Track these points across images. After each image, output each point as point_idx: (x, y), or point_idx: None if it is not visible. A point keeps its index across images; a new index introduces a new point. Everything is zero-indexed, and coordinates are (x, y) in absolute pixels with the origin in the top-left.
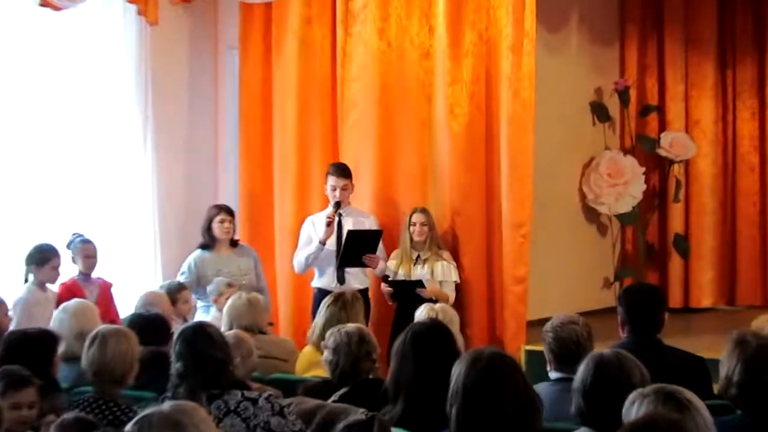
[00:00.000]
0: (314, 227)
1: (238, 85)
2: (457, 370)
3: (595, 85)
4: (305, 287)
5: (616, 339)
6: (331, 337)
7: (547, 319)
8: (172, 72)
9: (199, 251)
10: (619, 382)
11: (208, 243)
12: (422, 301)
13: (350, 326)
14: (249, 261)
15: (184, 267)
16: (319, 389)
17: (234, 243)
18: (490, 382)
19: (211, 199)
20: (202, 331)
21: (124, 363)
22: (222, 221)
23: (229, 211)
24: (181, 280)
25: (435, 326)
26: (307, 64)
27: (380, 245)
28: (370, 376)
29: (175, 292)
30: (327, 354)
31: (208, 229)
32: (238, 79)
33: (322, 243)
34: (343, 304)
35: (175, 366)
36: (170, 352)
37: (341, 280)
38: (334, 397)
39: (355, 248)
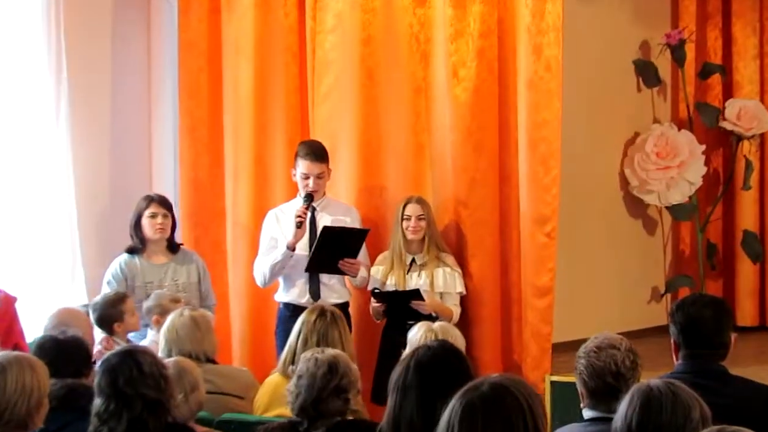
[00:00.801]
0: (279, 224)
1: (177, 43)
2: (451, 403)
3: (641, 39)
4: (267, 301)
5: (668, 366)
6: (301, 363)
7: (579, 342)
8: (91, 27)
9: (126, 256)
10: (674, 423)
11: (137, 246)
12: (417, 317)
13: (327, 352)
14: (191, 272)
15: (109, 275)
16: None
17: (173, 247)
18: (484, 423)
19: (144, 188)
20: (131, 359)
21: (29, 401)
22: (153, 215)
23: (164, 203)
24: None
25: (446, 351)
26: (266, 14)
27: (363, 248)
28: (349, 417)
29: (116, 304)
30: (291, 382)
31: (136, 226)
32: (176, 35)
33: (291, 248)
34: (334, 321)
35: (95, 404)
36: (90, 385)
37: (315, 294)
38: None
39: (331, 249)
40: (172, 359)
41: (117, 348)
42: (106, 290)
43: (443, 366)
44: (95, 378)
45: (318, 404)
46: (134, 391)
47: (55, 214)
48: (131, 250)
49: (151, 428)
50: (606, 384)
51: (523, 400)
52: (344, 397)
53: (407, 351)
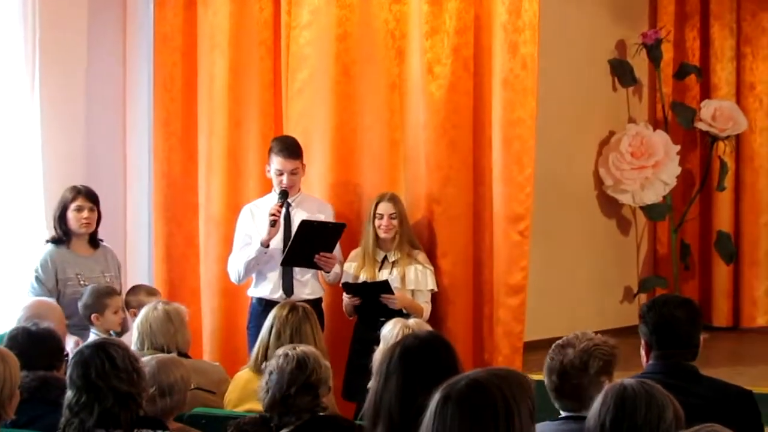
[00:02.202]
0: (254, 220)
1: (152, 35)
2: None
3: (617, 38)
4: (239, 296)
5: (641, 366)
6: (274, 358)
7: (552, 341)
8: (67, 20)
9: (51, 246)
10: (648, 423)
11: (61, 237)
12: (389, 314)
13: (299, 348)
14: (114, 267)
15: (37, 266)
16: (255, 427)
17: (95, 241)
18: (453, 417)
19: (119, 182)
20: (103, 352)
21: (1, 392)
22: (79, 209)
23: (92, 197)
24: (34, 285)
25: (435, 341)
26: (242, 8)
27: (337, 244)
28: (320, 413)
29: (103, 297)
30: (264, 378)
31: (61, 218)
32: (152, 28)
33: (265, 245)
34: (306, 317)
35: (67, 396)
36: (62, 378)
37: (288, 289)
38: None
39: (308, 243)
40: (161, 356)
41: (90, 340)
42: (34, 282)
43: (429, 356)
44: (68, 370)
45: (286, 400)
46: (105, 384)
47: (26, 206)
48: (56, 241)
49: (122, 421)
50: (551, 382)
51: (501, 399)
52: (313, 393)
53: (380, 347)
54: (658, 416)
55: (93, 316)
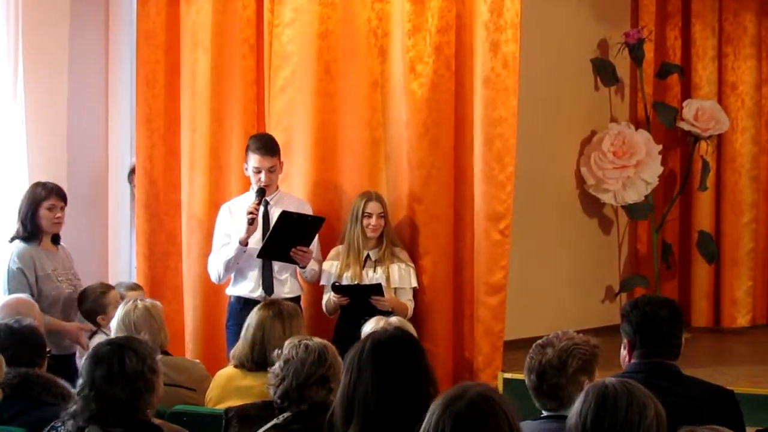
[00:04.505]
0: (232, 218)
1: (135, 32)
2: (429, 412)
3: (599, 37)
4: (221, 294)
5: (620, 366)
6: (287, 347)
7: (532, 340)
8: (49, 17)
9: (22, 244)
10: (629, 421)
11: (31, 234)
12: (373, 313)
13: (316, 340)
14: (73, 266)
15: (18, 263)
16: (258, 411)
17: (56, 239)
18: None
19: (101, 179)
20: (116, 356)
21: None
22: (52, 208)
23: (63, 196)
24: (16, 276)
25: (401, 335)
26: (224, 6)
27: (316, 241)
28: None
29: (100, 297)
30: (276, 366)
31: (33, 215)
32: (134, 24)
33: (243, 244)
34: (289, 317)
35: (78, 382)
36: (44, 375)
37: (269, 287)
38: (273, 422)
39: (286, 236)
40: None
41: (111, 336)
42: (20, 278)
43: (399, 348)
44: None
45: (302, 390)
46: (108, 388)
47: (9, 202)
48: (26, 238)
49: (111, 423)
50: (530, 381)
51: (508, 411)
52: (328, 386)
53: None
54: (639, 415)
55: (98, 318)
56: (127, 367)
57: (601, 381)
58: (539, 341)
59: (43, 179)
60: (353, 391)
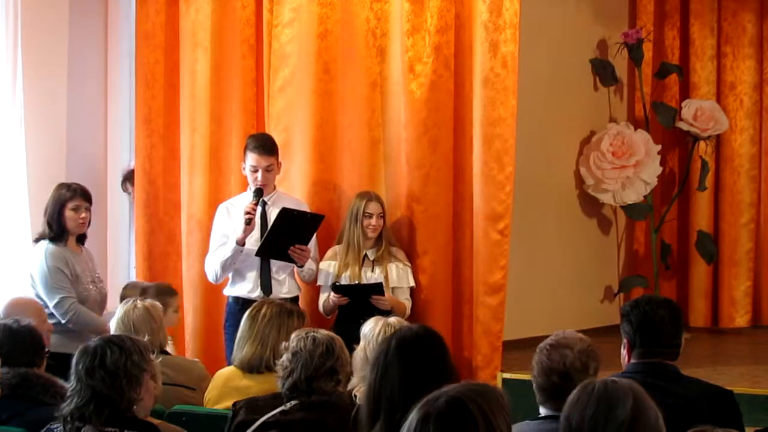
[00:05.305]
0: (230, 218)
1: (134, 32)
2: (412, 413)
3: (599, 38)
4: (221, 295)
5: (617, 366)
6: (295, 340)
7: (531, 340)
8: (48, 17)
9: (51, 245)
10: (628, 423)
11: (57, 234)
12: (372, 313)
13: (323, 332)
14: (96, 267)
15: (57, 263)
16: (266, 401)
17: (82, 239)
18: None
19: (100, 179)
20: (100, 350)
21: None
22: (77, 209)
23: (87, 196)
24: (56, 276)
25: (426, 333)
26: (224, 6)
27: (314, 241)
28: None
29: (165, 296)
30: (284, 358)
31: (58, 216)
32: (133, 25)
33: (240, 244)
34: (289, 316)
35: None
36: (43, 375)
37: (267, 288)
38: (281, 408)
39: (285, 233)
40: None
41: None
42: (61, 276)
43: (425, 345)
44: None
45: (311, 382)
46: (89, 380)
47: (8, 203)
48: (54, 239)
49: (93, 419)
50: (552, 383)
51: (481, 415)
52: (336, 378)
53: (361, 345)
54: (638, 415)
55: None
56: (107, 359)
57: (600, 380)
58: (549, 341)
59: (42, 179)
60: (379, 389)
